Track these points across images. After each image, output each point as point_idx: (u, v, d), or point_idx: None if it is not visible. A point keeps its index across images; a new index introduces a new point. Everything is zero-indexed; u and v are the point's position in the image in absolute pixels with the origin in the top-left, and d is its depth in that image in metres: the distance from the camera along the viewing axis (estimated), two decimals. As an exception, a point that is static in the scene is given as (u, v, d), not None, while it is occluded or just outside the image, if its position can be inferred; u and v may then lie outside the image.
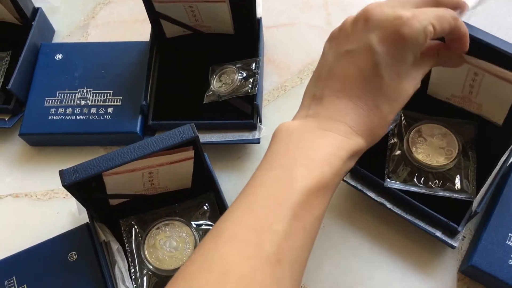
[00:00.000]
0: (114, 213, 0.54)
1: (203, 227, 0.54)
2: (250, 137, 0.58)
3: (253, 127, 0.59)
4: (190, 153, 0.49)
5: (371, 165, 0.55)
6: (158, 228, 0.53)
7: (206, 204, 0.55)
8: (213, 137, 0.58)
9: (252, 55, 0.63)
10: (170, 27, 0.62)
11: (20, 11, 0.64)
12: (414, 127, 0.57)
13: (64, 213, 0.58)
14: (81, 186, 0.46)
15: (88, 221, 0.54)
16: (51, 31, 0.70)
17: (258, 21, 0.62)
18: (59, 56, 0.64)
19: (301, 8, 0.70)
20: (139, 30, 0.70)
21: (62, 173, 0.45)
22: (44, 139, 0.61)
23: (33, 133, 0.60)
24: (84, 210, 0.54)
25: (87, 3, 0.74)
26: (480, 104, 0.54)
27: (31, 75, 0.63)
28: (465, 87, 0.53)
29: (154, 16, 0.60)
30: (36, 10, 0.66)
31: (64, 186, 0.45)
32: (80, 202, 0.49)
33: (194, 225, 0.54)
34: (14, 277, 0.52)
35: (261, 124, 0.59)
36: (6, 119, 0.62)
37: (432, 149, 0.56)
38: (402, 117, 0.57)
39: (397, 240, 0.55)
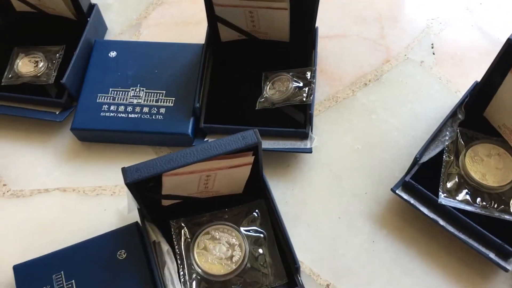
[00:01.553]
0: (164, 214, 0.54)
1: (252, 233, 0.53)
2: (302, 146, 0.58)
3: (305, 136, 0.58)
4: (250, 158, 0.48)
5: (425, 180, 0.54)
6: (208, 232, 0.53)
7: (256, 211, 0.54)
8: (264, 144, 0.58)
9: (305, 64, 0.63)
10: (226, 31, 0.62)
11: (77, 6, 0.64)
12: (470, 145, 0.56)
13: (111, 210, 0.58)
14: (141, 185, 0.46)
15: (137, 220, 0.54)
16: (104, 28, 0.70)
17: (315, 31, 0.62)
18: (112, 54, 0.65)
19: (354, 20, 0.70)
20: (191, 32, 0.70)
21: (125, 171, 0.45)
22: (94, 135, 0.61)
23: (84, 128, 0.60)
24: (133, 208, 0.53)
25: (141, 2, 0.74)
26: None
27: (84, 70, 0.63)
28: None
29: (212, 19, 0.60)
30: (92, 7, 0.67)
31: (127, 184, 0.44)
32: (136, 200, 0.49)
33: (244, 231, 0.53)
34: (62, 272, 0.51)
35: (312, 134, 0.59)
36: (57, 113, 0.62)
37: (488, 169, 0.55)
38: (459, 134, 0.56)
39: (449, 259, 0.54)
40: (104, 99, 0.61)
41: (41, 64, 0.64)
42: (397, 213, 0.57)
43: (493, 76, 0.54)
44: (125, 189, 0.59)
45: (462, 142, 0.56)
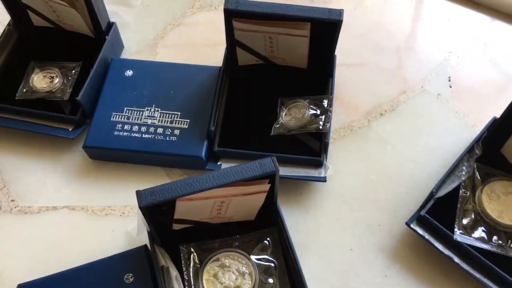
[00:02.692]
0: (173, 237, 0.53)
1: (262, 262, 0.53)
2: (317, 175, 0.57)
3: (319, 165, 0.58)
4: (266, 186, 0.48)
5: (440, 216, 0.54)
6: (217, 258, 0.52)
7: (268, 239, 0.54)
8: (278, 171, 0.57)
9: (321, 92, 0.63)
10: (244, 55, 0.62)
11: (96, 24, 0.64)
12: (487, 182, 0.55)
13: (120, 232, 0.57)
14: (154, 208, 0.45)
15: (146, 243, 0.53)
16: (121, 46, 0.71)
17: (333, 59, 0.62)
18: (129, 73, 0.65)
19: (372, 50, 0.70)
20: (208, 54, 0.70)
21: (139, 194, 0.44)
22: (107, 153, 0.61)
23: (97, 147, 0.60)
24: (143, 231, 0.53)
25: (158, 22, 0.74)
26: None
27: (100, 88, 0.63)
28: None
29: (231, 42, 0.60)
30: (110, 25, 0.67)
31: (141, 207, 0.44)
32: (148, 224, 0.49)
33: (254, 259, 0.52)
34: (68, 293, 0.51)
35: (327, 162, 0.58)
36: (70, 130, 0.62)
37: (506, 207, 0.54)
38: (476, 170, 0.56)
39: (463, 298, 0.53)
40: (118, 118, 0.61)
41: (56, 80, 0.64)
42: (411, 248, 0.56)
43: (513, 114, 0.54)
44: (135, 210, 0.59)
45: (479, 178, 0.56)
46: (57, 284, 0.51)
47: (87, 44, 0.67)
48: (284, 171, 0.58)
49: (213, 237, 0.54)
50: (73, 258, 0.54)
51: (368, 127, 0.64)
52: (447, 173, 0.56)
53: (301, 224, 0.58)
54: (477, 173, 0.56)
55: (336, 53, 0.62)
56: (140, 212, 0.47)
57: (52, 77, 0.65)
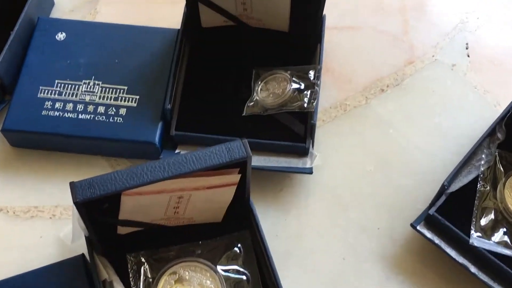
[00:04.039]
0: (119, 245, 0.54)
1: (232, 274, 0.54)
2: (300, 165, 0.59)
3: (304, 153, 0.59)
4: (235, 177, 0.49)
5: (453, 215, 0.55)
6: (174, 271, 0.53)
7: (239, 246, 0.55)
8: (252, 161, 0.58)
9: (308, 61, 0.64)
10: (209, 14, 0.63)
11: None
12: (511, 173, 0.57)
13: (50, 238, 0.58)
14: (93, 205, 0.46)
15: (84, 252, 0.54)
16: (49, 3, 0.71)
17: (322, 20, 0.64)
18: (60, 36, 0.65)
19: (372, 9, 0.72)
20: (164, 13, 0.71)
21: (74, 186, 0.45)
22: (32, 139, 0.61)
23: (19, 130, 0.60)
24: (79, 236, 0.53)
25: (99, -30, 0.75)
26: None
27: (23, 56, 0.64)
28: None
29: (192, -3, 0.61)
30: (36, -26, 0.67)
31: (76, 203, 0.44)
32: (86, 227, 0.49)
33: (221, 271, 0.54)
34: (-18, 316, 0.51)
35: (313, 150, 0.60)
36: (-16, 109, 0.62)
37: (533, 203, 0.56)
38: (497, 158, 0.58)
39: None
40: (47, 94, 0.61)
41: (-34, 45, 0.64)
42: (417, 255, 0.57)
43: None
44: (69, 211, 0.59)
45: (502, 169, 0.58)
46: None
47: (8, 3, 0.66)
48: (259, 160, 0.59)
49: (170, 244, 0.54)
50: (-11, 272, 0.54)
51: (365, 105, 0.66)
52: (462, 162, 0.57)
53: (281, 226, 0.59)
54: (499, 163, 0.58)
55: (325, 12, 0.63)
56: (75, 212, 0.47)
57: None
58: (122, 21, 0.67)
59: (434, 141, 0.64)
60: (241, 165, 0.48)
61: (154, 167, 0.46)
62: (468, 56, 0.69)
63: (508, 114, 0.60)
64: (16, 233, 0.58)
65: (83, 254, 0.54)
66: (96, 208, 0.47)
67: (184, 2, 0.63)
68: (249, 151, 0.47)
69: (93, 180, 0.45)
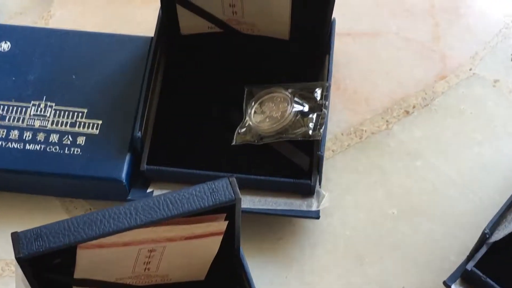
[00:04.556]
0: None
1: None
2: (305, 208, 0.58)
3: (309, 192, 0.59)
4: (221, 225, 0.48)
5: (498, 270, 0.55)
6: None
7: (227, 313, 0.54)
8: (244, 202, 0.57)
9: (313, 77, 0.64)
10: (190, 19, 0.62)
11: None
12: None
13: (-13, 303, 0.57)
14: (42, 261, 0.46)
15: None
16: (-8, 5, 0.71)
17: (330, 25, 0.64)
18: (4, 46, 0.65)
19: (394, 11, 0.71)
20: (134, 17, 0.71)
21: (17, 237, 0.44)
22: (-34, 175, 0.59)
23: (-48, 165, 0.57)
24: (25, 301, 0.53)
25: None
26: None
27: (-44, 69, 0.62)
28: None
29: (168, -1, 0.61)
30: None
31: (18, 258, 0.44)
32: (32, 287, 0.49)
33: None
34: None
35: (321, 188, 0.59)
36: None
37: None
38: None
39: None
40: (-14, 118, 0.59)
41: None
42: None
43: None
44: (12, 267, 0.59)
45: None
46: None
47: None
48: (253, 202, 0.59)
49: (139, 311, 0.53)
50: None
51: (386, 132, 0.66)
52: (508, 203, 0.57)
53: (280, 285, 0.58)
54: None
55: (335, 14, 0.63)
56: (19, 270, 0.47)
57: None
58: (81, 27, 0.68)
59: (472, 177, 0.63)
60: (229, 209, 0.47)
61: (119, 212, 0.45)
62: (515, 69, 0.68)
63: None
64: None
65: (28, 323, 0.53)
66: (45, 265, 0.47)
67: (159, 4, 0.62)
68: (237, 192, 0.46)
69: (41, 230, 0.44)
